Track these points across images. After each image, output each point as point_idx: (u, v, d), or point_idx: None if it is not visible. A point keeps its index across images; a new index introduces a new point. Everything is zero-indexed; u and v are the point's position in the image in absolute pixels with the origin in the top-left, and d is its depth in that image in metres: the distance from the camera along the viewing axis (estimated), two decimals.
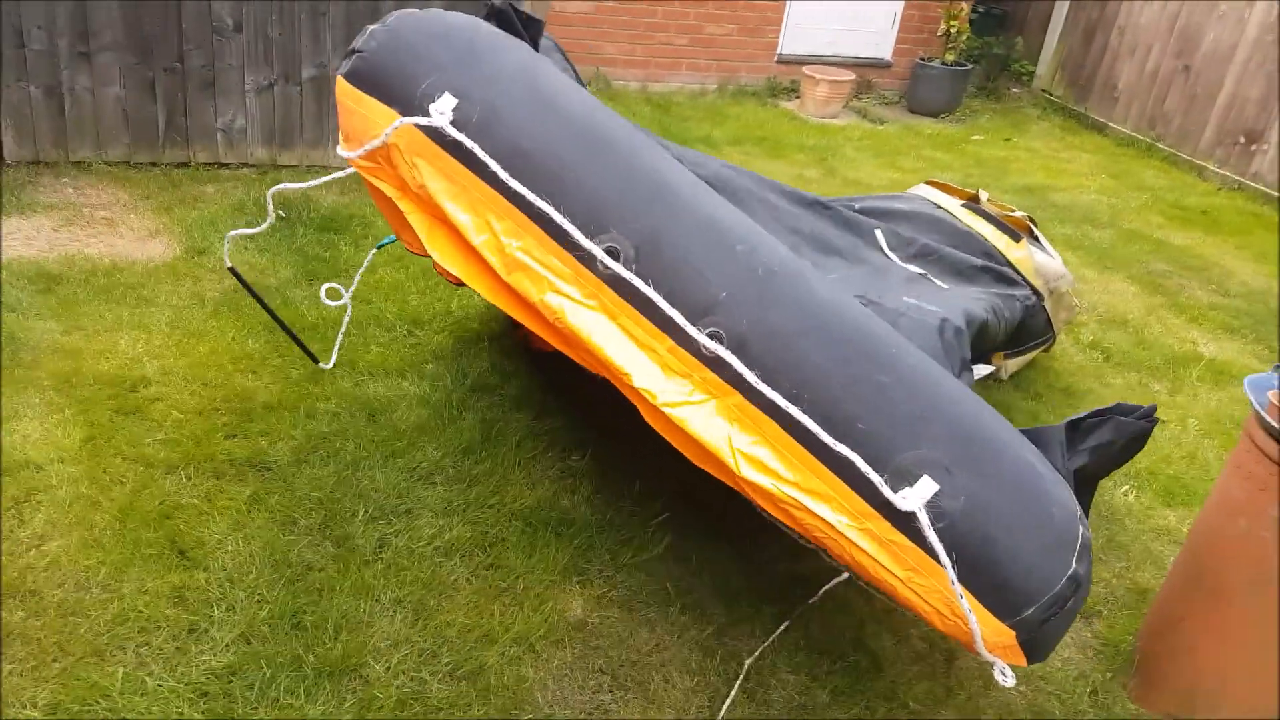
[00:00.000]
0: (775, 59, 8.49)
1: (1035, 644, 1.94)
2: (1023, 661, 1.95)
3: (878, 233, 3.76)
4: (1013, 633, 1.89)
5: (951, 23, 8.22)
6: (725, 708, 2.39)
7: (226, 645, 2.37)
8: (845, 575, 2.82)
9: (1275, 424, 2.17)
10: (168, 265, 4.07)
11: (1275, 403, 2.20)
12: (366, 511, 2.86)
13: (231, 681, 2.29)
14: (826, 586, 2.78)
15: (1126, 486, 3.45)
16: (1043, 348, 4.02)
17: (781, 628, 2.63)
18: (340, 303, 3.41)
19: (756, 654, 2.54)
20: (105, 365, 3.33)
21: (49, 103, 4.86)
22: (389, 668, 2.38)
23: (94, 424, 3.04)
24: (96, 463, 2.89)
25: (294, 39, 5.12)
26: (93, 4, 4.72)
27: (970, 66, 8.76)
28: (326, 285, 3.39)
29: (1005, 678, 1.90)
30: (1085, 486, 2.23)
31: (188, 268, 4.07)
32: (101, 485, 2.81)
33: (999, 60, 9.41)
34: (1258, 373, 2.39)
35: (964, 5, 8.30)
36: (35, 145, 4.91)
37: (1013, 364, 3.93)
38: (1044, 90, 9.48)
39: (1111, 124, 8.61)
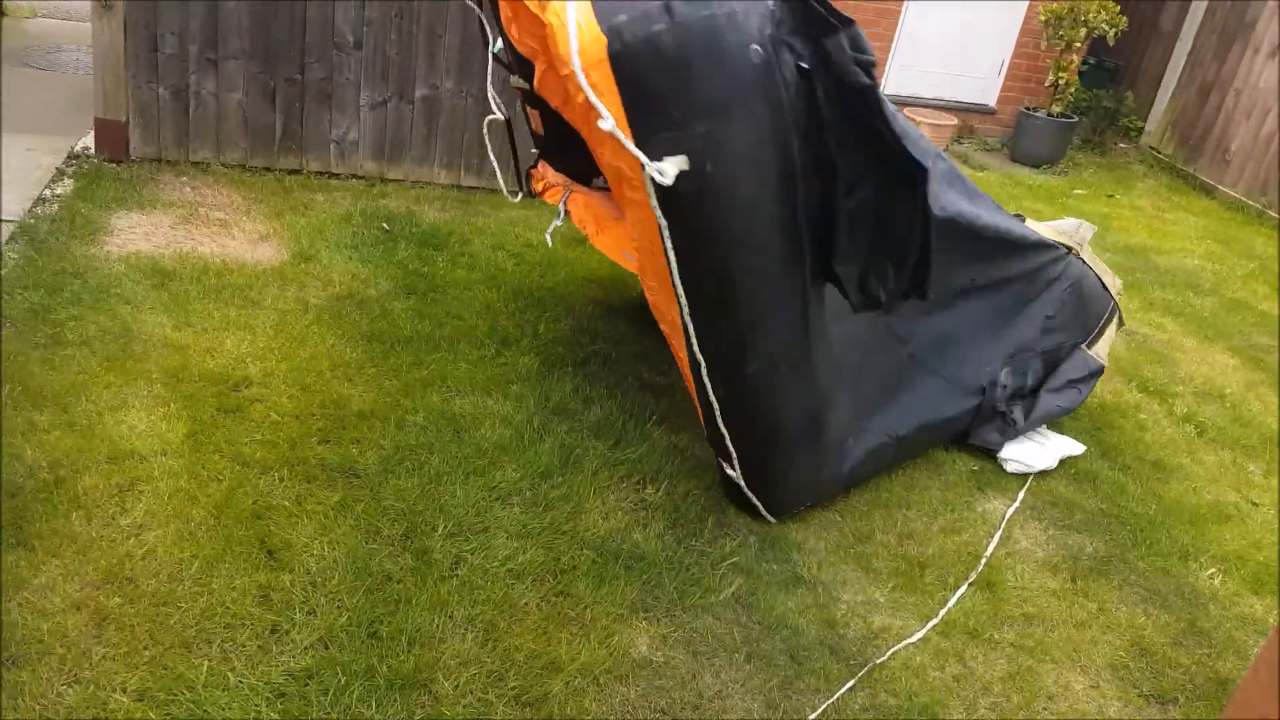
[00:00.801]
0: None
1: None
2: None
3: None
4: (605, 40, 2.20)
5: (1060, 74, 8.09)
6: None
7: (305, 648, 2.46)
8: (917, 637, 2.81)
9: None
10: (275, 269, 4.24)
11: None
12: (446, 527, 2.93)
13: (308, 685, 2.37)
14: (896, 647, 2.77)
15: (1213, 570, 3.34)
16: (1116, 322, 4.07)
17: (846, 686, 2.62)
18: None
19: (820, 710, 2.54)
20: (211, 363, 3.49)
21: (175, 104, 5.11)
22: (457, 686, 2.43)
23: (197, 420, 3.19)
24: (196, 458, 3.02)
25: (410, 60, 5.30)
26: (224, 14, 4.96)
27: (1077, 119, 8.60)
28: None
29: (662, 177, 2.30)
30: None
31: (294, 273, 4.23)
32: (200, 481, 2.94)
33: (1107, 114, 9.22)
34: None
35: (1074, 57, 8.16)
36: (159, 144, 5.17)
37: (1102, 348, 4.00)
38: (1152, 148, 9.25)
39: (1221, 187, 8.35)
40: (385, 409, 3.41)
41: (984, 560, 3.19)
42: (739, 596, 2.88)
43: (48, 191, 4.65)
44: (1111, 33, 7.82)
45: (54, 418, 3.06)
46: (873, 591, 2.99)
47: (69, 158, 5.07)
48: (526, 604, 2.73)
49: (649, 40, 2.23)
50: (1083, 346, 3.92)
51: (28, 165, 4.87)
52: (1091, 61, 9.55)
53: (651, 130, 2.31)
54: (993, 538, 3.32)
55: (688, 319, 2.71)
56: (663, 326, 2.98)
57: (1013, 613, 3.01)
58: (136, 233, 4.38)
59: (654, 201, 2.42)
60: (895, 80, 8.42)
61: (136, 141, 5.15)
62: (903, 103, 8.31)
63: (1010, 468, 3.67)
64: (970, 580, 3.10)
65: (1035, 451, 3.71)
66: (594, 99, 2.25)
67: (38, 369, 3.27)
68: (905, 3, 8.11)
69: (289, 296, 4.04)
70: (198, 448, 3.07)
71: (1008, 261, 3.66)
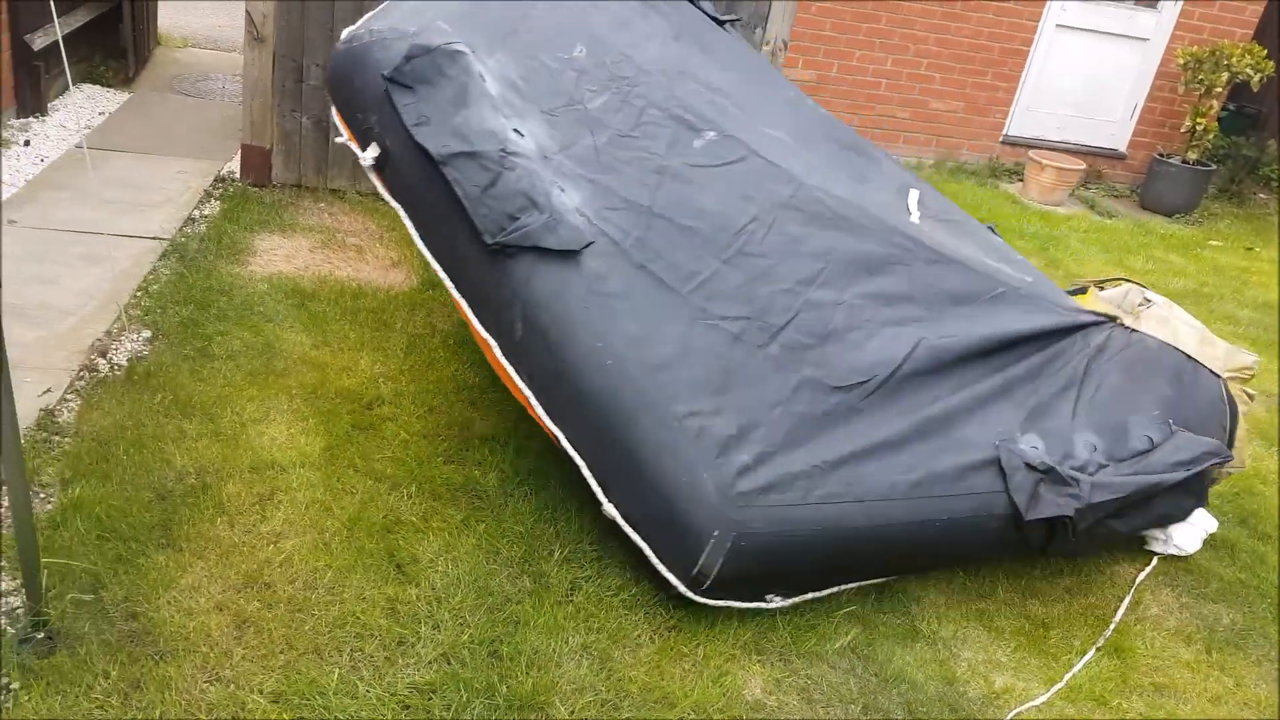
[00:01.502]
0: (1000, 139, 8.32)
1: None
2: None
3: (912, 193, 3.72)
4: None
5: (1199, 120, 7.81)
6: None
7: (430, 662, 2.54)
8: (1040, 700, 2.73)
9: None
10: (406, 295, 4.40)
11: None
12: (562, 552, 2.99)
13: (431, 699, 2.44)
14: (1019, 709, 2.70)
15: None
16: (1228, 407, 3.44)
17: None
18: None
19: None
20: (347, 381, 3.64)
21: (316, 133, 5.37)
22: (573, 712, 2.47)
23: (333, 435, 3.33)
24: (332, 471, 3.15)
25: None
26: None
27: (1214, 167, 8.29)
28: None
29: None
30: None
31: (422, 299, 4.38)
32: (334, 493, 3.06)
33: (1247, 163, 8.84)
34: None
35: (1214, 102, 7.88)
36: (300, 170, 5.43)
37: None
38: None
39: None
40: (506, 433, 3.49)
41: (1112, 625, 3.09)
42: (855, 646, 2.84)
43: (196, 212, 4.93)
44: (1256, 78, 7.53)
45: (201, 427, 3.24)
46: (995, 650, 2.92)
47: (215, 180, 5.37)
48: (640, 635, 2.75)
49: (334, 62, 3.27)
50: (1174, 426, 3.25)
51: (179, 187, 5.18)
52: (1231, 107, 9.19)
53: (352, 126, 3.17)
54: (1122, 602, 3.20)
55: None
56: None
57: (1142, 682, 2.89)
58: (278, 254, 4.61)
59: (382, 191, 3.13)
60: (1020, 122, 8.26)
61: (279, 168, 5.42)
62: (1028, 144, 8.16)
63: (1158, 547, 3.48)
64: (1098, 645, 2.99)
65: (1184, 532, 3.53)
66: (334, 114, 3.26)
67: (187, 379, 3.47)
68: (1034, 42, 7.97)
69: (418, 321, 4.19)
70: (333, 461, 3.20)
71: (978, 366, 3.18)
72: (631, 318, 2.89)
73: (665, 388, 2.80)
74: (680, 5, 4.10)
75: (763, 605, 2.85)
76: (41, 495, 2.86)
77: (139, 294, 3.99)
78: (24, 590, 2.44)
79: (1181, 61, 7.75)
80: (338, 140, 3.22)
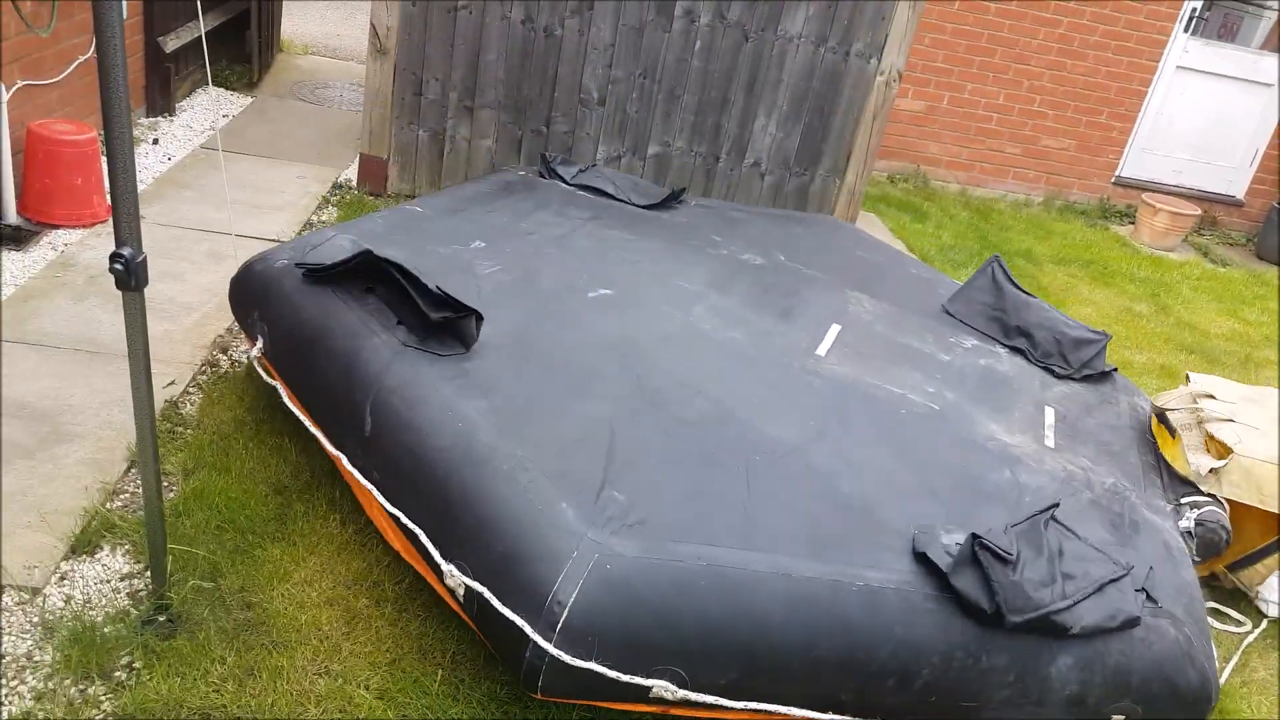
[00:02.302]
0: (1112, 180, 8.14)
1: None
2: None
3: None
4: None
5: None
6: None
7: None
8: None
9: None
10: None
11: None
12: None
13: (529, 706, 2.48)
14: None
15: None
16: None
17: None
18: None
19: None
20: None
21: (432, 146, 5.53)
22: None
23: None
24: None
25: (648, 118, 5.54)
26: (483, 66, 5.34)
27: None
28: None
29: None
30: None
31: None
32: None
33: None
34: None
35: None
36: (414, 181, 5.60)
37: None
38: None
39: None
40: None
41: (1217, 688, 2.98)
42: None
43: (314, 217, 5.11)
44: None
45: None
46: None
47: (333, 187, 5.56)
48: None
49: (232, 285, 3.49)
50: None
51: (298, 192, 5.38)
52: None
53: (246, 328, 3.39)
54: (1228, 664, 3.09)
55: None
56: None
57: None
58: None
59: (266, 376, 3.27)
60: (1134, 163, 8.07)
61: (394, 178, 5.59)
62: (1142, 187, 7.96)
63: (1273, 611, 3.35)
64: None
65: None
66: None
67: None
68: (1153, 82, 7.78)
69: None
70: None
71: None
72: (493, 390, 2.82)
73: (525, 439, 2.63)
74: (609, 205, 4.65)
75: (644, 684, 2.23)
76: (165, 484, 3.00)
77: None
78: (150, 573, 2.56)
79: None
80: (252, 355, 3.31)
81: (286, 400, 3.08)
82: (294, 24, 8.72)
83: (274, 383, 3.16)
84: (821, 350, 3.59)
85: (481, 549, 2.37)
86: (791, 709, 2.36)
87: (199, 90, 6.58)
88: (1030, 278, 6.03)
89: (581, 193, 4.72)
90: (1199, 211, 7.69)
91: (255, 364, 3.24)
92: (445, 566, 2.40)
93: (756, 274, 4.17)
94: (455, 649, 2.61)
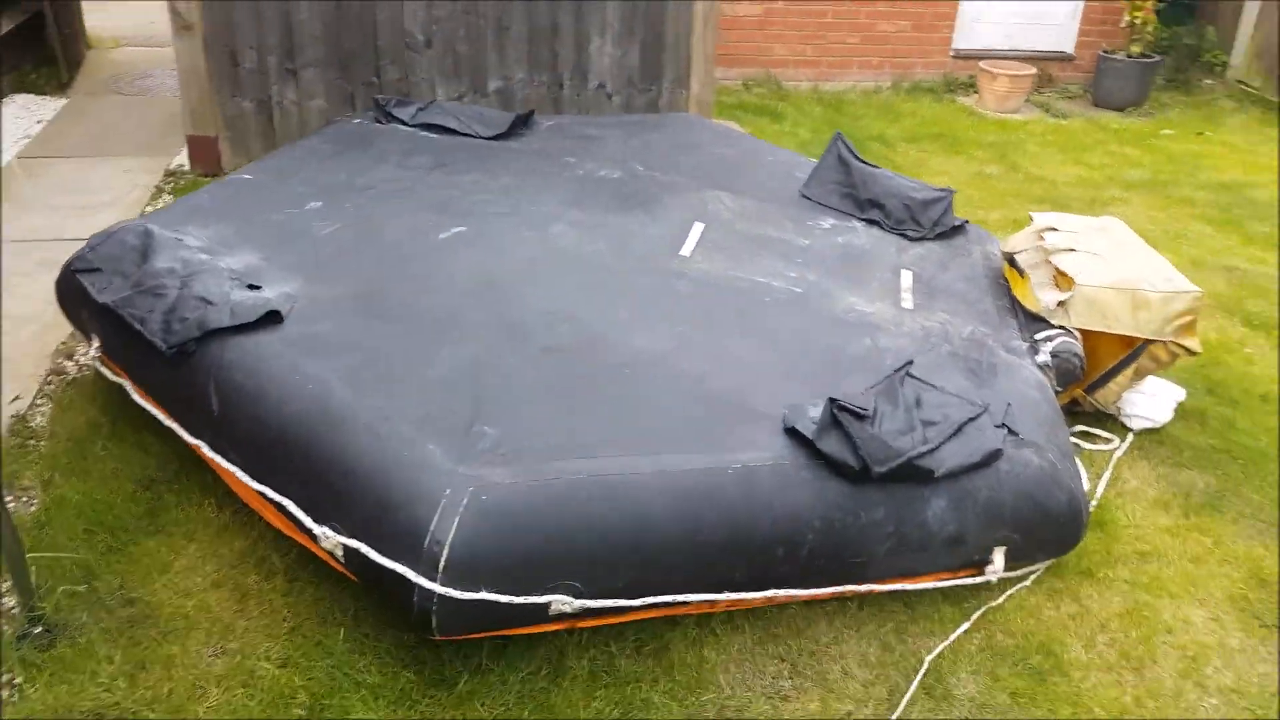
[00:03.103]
0: (951, 54, 8.31)
1: None
2: None
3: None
4: None
5: (1135, 14, 7.81)
6: (905, 702, 2.41)
7: None
8: (1030, 580, 2.79)
9: None
10: None
11: None
12: None
13: (440, 646, 2.47)
14: (1010, 591, 2.76)
15: None
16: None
17: (963, 627, 2.63)
18: None
19: (937, 651, 2.55)
20: None
21: (260, 115, 5.31)
22: (580, 642, 2.51)
23: None
24: None
25: (481, 54, 5.41)
26: (296, 25, 5.11)
27: (1158, 58, 8.30)
28: None
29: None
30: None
31: None
32: None
33: (1189, 51, 8.86)
34: None
35: None
36: (248, 154, 5.37)
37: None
38: (1239, 81, 8.87)
39: None
40: None
41: (1094, 501, 3.15)
42: None
43: (150, 208, 4.87)
44: None
45: None
46: None
47: (166, 175, 5.31)
48: None
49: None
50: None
51: (126, 185, 5.12)
52: None
53: (77, 326, 3.27)
54: (1101, 479, 3.27)
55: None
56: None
57: (1126, 551, 2.97)
58: None
59: (109, 374, 3.14)
60: (968, 34, 8.25)
61: (227, 154, 5.36)
62: (980, 56, 8.14)
63: (1136, 425, 3.55)
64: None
65: (1153, 405, 3.59)
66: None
67: None
68: None
69: None
70: None
71: None
72: (344, 349, 2.75)
73: (384, 392, 2.59)
74: (454, 141, 4.49)
75: (541, 602, 2.24)
76: (24, 499, 2.86)
77: None
78: (16, 589, 2.45)
79: None
80: (80, 354, 3.23)
81: (135, 395, 2.95)
82: (102, 18, 8.20)
83: (119, 379, 3.03)
84: (685, 250, 3.60)
85: (353, 506, 2.34)
86: (689, 595, 2.40)
87: (4, 101, 6.16)
88: (885, 159, 6.14)
89: (424, 133, 4.56)
90: (1034, 71, 7.93)
91: (96, 364, 3.10)
92: (318, 530, 2.36)
93: (614, 186, 4.14)
94: (355, 607, 2.58)
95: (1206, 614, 2.77)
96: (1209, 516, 3.15)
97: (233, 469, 2.60)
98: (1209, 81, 9.03)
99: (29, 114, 6.05)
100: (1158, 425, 3.54)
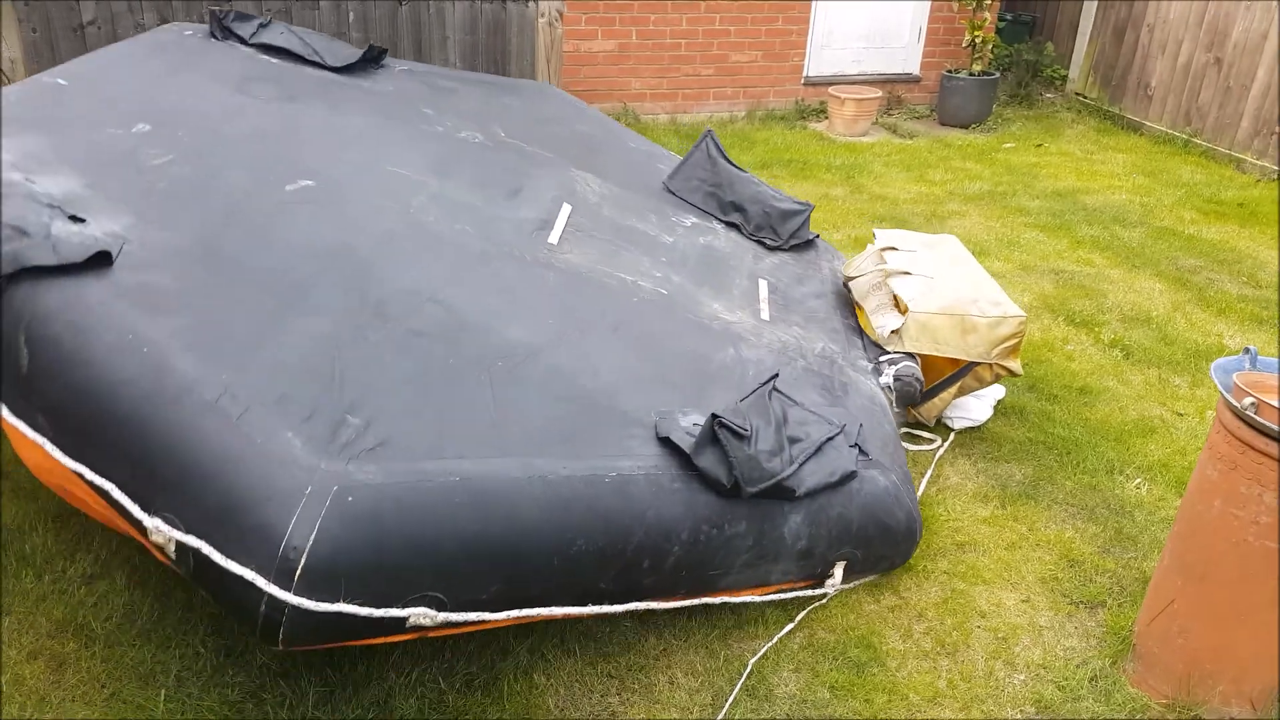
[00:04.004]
0: (802, 82, 8.62)
1: None
2: None
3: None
4: None
5: (976, 33, 8.26)
6: (727, 706, 2.48)
7: (260, 666, 2.55)
8: (855, 585, 2.91)
9: (1238, 404, 2.22)
10: None
11: (1240, 384, 2.24)
12: None
13: (264, 699, 2.45)
14: (831, 593, 2.87)
15: (1139, 480, 3.46)
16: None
17: (787, 628, 2.72)
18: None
19: (760, 654, 2.64)
20: None
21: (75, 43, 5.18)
22: (410, 680, 2.52)
23: None
24: None
25: None
26: None
27: (998, 75, 8.77)
28: None
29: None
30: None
31: None
32: None
33: (1029, 66, 9.40)
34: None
35: (987, 15, 8.34)
36: None
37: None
38: (1078, 93, 9.43)
39: (1147, 122, 8.52)
40: None
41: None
42: None
43: None
44: None
45: None
46: None
47: None
48: None
49: None
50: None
51: None
52: (1009, 17, 9.76)
53: None
54: (923, 478, 3.43)
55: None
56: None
57: (945, 543, 3.12)
58: None
59: None
60: (817, 61, 8.57)
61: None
62: (829, 82, 8.47)
63: (958, 425, 3.74)
64: None
65: (974, 405, 3.79)
66: None
67: None
68: None
69: None
70: None
71: None
72: (183, 308, 2.44)
73: (230, 363, 2.31)
74: (300, 70, 4.14)
75: (400, 615, 2.10)
76: None
77: None
78: None
79: None
80: None
81: None
82: None
83: None
84: (554, 238, 3.49)
85: (193, 497, 2.07)
86: (554, 609, 2.36)
87: None
88: None
89: (264, 55, 4.17)
90: (879, 94, 8.29)
91: None
92: (149, 523, 2.08)
93: (479, 153, 3.93)
94: (179, 667, 2.54)
95: (1019, 596, 2.92)
96: (1024, 505, 3.33)
97: (42, 441, 2.22)
98: (1049, 95, 9.57)
99: None
100: (978, 424, 3.73)
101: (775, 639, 2.69)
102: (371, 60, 4.43)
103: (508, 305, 2.98)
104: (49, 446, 2.22)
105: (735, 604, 2.80)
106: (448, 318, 2.78)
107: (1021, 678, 2.64)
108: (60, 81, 3.40)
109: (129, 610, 2.70)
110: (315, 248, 2.89)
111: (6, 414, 2.29)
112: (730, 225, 4.25)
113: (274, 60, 4.15)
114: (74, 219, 2.56)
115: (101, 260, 2.46)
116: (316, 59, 4.25)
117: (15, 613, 2.67)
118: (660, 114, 8.22)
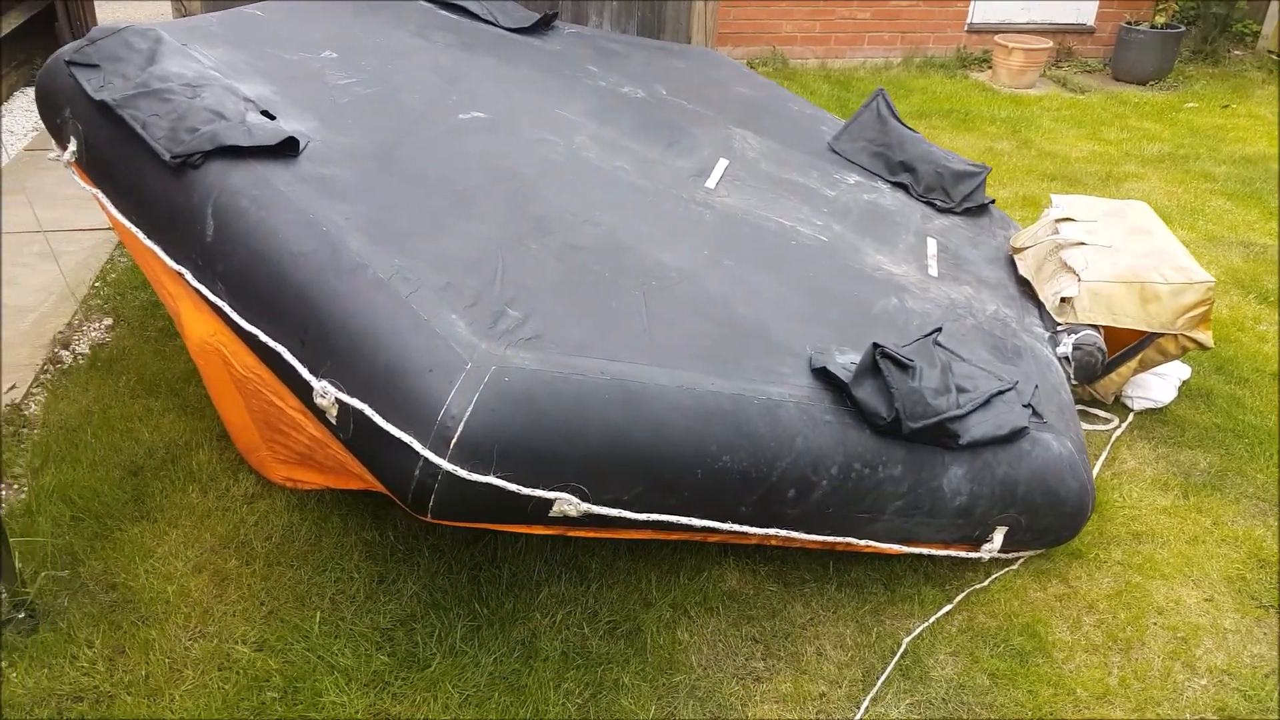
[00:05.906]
0: (965, 28, 8.17)
1: None
2: None
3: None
4: None
5: None
6: (879, 683, 2.38)
7: (412, 595, 2.57)
8: (1018, 563, 2.74)
9: None
10: None
11: None
12: None
13: (415, 628, 2.48)
14: (996, 574, 2.72)
15: None
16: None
17: (945, 609, 2.59)
18: None
19: (916, 633, 2.52)
20: None
21: None
22: (554, 623, 2.51)
23: None
24: None
25: None
26: None
27: (1183, 29, 8.11)
28: None
29: None
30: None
31: None
32: None
33: (1217, 21, 8.65)
34: None
35: None
36: None
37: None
38: (1270, 51, 8.65)
39: None
40: None
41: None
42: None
43: None
44: None
45: (167, 403, 3.26)
46: None
47: None
48: (617, 547, 2.78)
49: (38, 79, 2.95)
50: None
51: None
52: None
53: (53, 130, 2.94)
54: (1098, 460, 3.21)
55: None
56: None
57: (1119, 532, 2.91)
58: None
59: (83, 184, 2.91)
60: (983, 8, 8.10)
61: None
62: (995, 30, 8.01)
63: (1137, 405, 3.49)
64: None
65: (1156, 384, 3.52)
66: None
67: (151, 360, 3.48)
68: None
69: None
70: None
71: None
72: (360, 198, 2.56)
73: (402, 249, 2.42)
74: (476, 25, 4.25)
75: (548, 497, 2.12)
76: (15, 486, 2.90)
77: (98, 284, 4.00)
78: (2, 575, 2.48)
79: None
80: (50, 157, 2.94)
81: (109, 208, 2.77)
82: (114, 12, 8.28)
83: (91, 190, 2.84)
84: (710, 183, 3.48)
85: (360, 363, 2.15)
86: (693, 519, 2.31)
87: (17, 94, 6.24)
88: None
89: (443, 11, 4.30)
90: (1050, 44, 7.78)
91: (69, 170, 2.86)
92: (317, 385, 2.16)
93: (639, 107, 3.98)
94: (334, 590, 2.59)
95: (1201, 595, 2.71)
96: (1209, 496, 3.07)
97: (221, 304, 2.40)
98: (1238, 53, 8.82)
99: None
100: (1160, 405, 3.46)
101: (933, 619, 2.56)
102: (544, 24, 4.52)
103: (663, 234, 2.99)
104: (227, 308, 2.38)
105: (886, 579, 2.68)
106: (604, 237, 2.83)
107: (1203, 682, 2.44)
108: (258, 14, 3.64)
109: (287, 531, 2.76)
110: (484, 165, 3.00)
111: (190, 278, 2.48)
112: (898, 186, 4.04)
113: (452, 16, 4.30)
114: (264, 114, 2.75)
115: (289, 147, 2.63)
116: (491, 19, 4.36)
117: (181, 526, 2.77)
118: (810, 59, 7.92)
